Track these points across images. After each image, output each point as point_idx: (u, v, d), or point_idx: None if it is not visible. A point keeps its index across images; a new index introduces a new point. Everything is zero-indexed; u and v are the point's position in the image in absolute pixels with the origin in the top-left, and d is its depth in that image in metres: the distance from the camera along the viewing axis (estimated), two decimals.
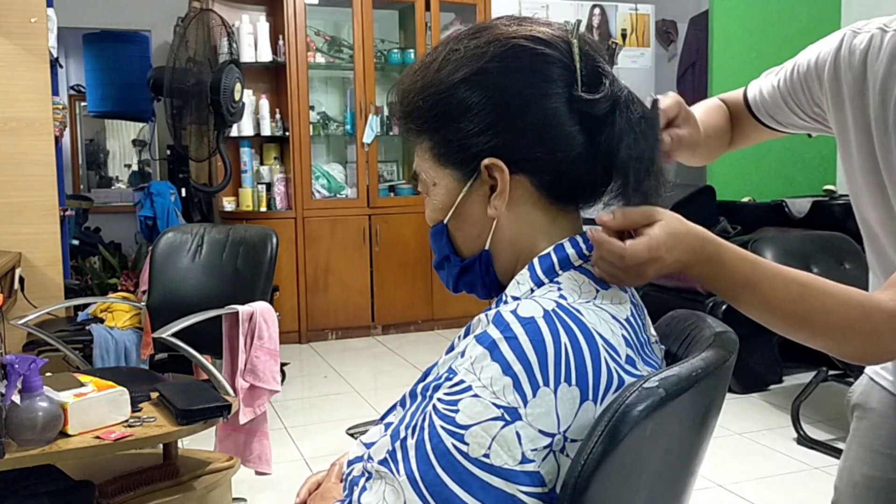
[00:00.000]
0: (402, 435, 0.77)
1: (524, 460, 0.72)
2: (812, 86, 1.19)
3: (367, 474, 0.81)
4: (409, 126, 0.89)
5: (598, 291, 0.82)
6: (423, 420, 0.75)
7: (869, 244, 1.18)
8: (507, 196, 0.84)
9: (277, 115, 5.24)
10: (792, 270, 0.91)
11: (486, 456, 0.71)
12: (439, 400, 0.75)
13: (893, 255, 1.11)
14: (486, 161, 0.84)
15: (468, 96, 0.84)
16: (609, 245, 0.81)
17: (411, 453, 0.74)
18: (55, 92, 3.68)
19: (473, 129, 0.84)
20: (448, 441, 0.72)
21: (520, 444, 0.71)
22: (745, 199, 4.99)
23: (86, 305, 3.42)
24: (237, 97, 4.50)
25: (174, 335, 2.44)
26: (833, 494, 1.29)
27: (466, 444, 0.72)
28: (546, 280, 0.84)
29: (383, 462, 0.77)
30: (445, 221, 0.89)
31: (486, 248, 0.88)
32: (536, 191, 0.85)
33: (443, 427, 0.73)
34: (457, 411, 0.73)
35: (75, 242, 5.70)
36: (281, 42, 5.10)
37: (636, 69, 5.86)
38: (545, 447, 0.72)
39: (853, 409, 1.29)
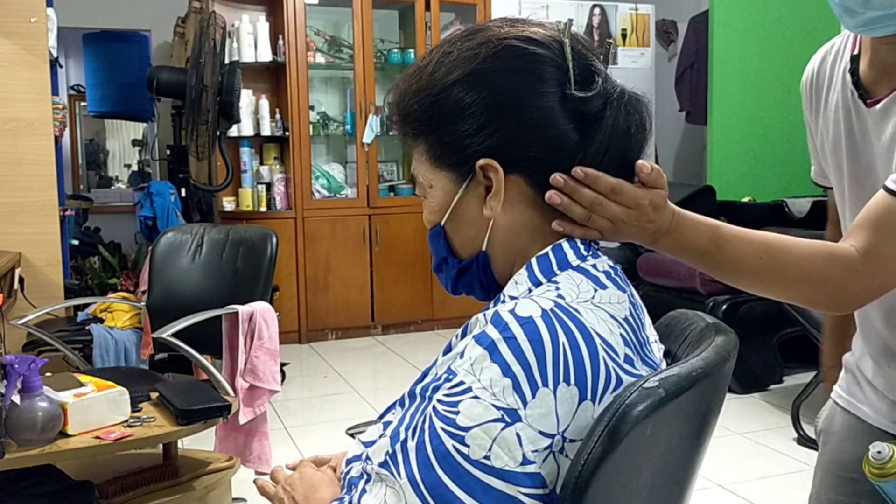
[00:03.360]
0: (402, 437, 0.77)
1: (525, 461, 0.72)
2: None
3: (366, 476, 0.81)
4: (406, 129, 0.90)
5: (596, 291, 0.82)
6: (424, 422, 0.75)
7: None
8: (502, 196, 0.84)
9: (277, 115, 5.24)
10: (752, 231, 0.95)
11: (487, 458, 0.71)
12: (439, 401, 0.75)
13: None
14: (480, 162, 0.84)
15: (462, 98, 0.84)
16: (605, 178, 0.84)
17: (412, 455, 0.74)
18: (55, 92, 3.68)
19: (468, 130, 0.84)
20: (449, 443, 0.72)
21: (520, 445, 0.71)
22: (745, 199, 4.99)
23: (86, 305, 3.42)
24: (241, 98, 4.51)
25: (174, 335, 2.44)
26: None
27: (467, 445, 0.72)
28: (544, 280, 0.84)
29: (383, 464, 0.77)
30: (442, 223, 0.89)
31: (483, 248, 0.88)
32: (532, 190, 0.85)
33: (443, 429, 0.73)
34: (457, 413, 0.73)
35: (75, 242, 5.70)
36: (281, 42, 5.10)
37: (636, 69, 5.86)
38: (545, 448, 0.72)
39: (819, 435, 1.29)
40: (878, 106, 1.05)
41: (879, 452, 1.03)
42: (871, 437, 1.15)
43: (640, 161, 0.87)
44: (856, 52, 1.10)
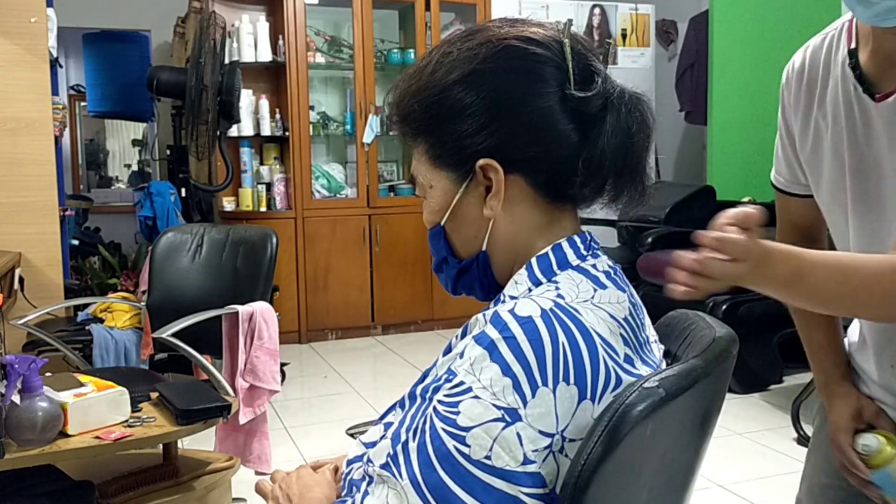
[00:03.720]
0: (404, 438, 0.77)
1: (526, 461, 0.72)
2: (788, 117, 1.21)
3: (367, 478, 0.81)
4: (406, 130, 0.90)
5: (595, 291, 0.82)
6: (424, 423, 0.75)
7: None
8: (502, 196, 0.84)
9: (277, 115, 5.24)
10: (828, 254, 0.98)
11: (488, 458, 0.71)
12: (440, 402, 0.75)
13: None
14: (480, 162, 0.84)
15: (462, 98, 0.84)
16: (733, 240, 0.84)
17: (413, 456, 0.74)
18: (55, 92, 3.68)
19: (468, 130, 0.84)
20: (450, 443, 0.72)
21: (521, 444, 0.72)
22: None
23: (86, 305, 3.42)
24: (241, 98, 4.51)
25: (174, 335, 2.44)
26: None
27: (468, 446, 0.72)
28: (544, 279, 0.84)
29: (385, 466, 0.77)
30: (442, 223, 0.89)
31: (484, 248, 0.88)
32: (532, 190, 0.86)
33: (444, 429, 0.73)
34: (458, 413, 0.73)
35: (75, 242, 5.70)
36: (281, 42, 5.10)
37: (636, 69, 5.86)
38: (545, 448, 0.73)
39: (816, 415, 1.30)
40: (891, 100, 1.04)
41: (867, 445, 1.03)
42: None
43: (736, 211, 0.87)
44: (853, 46, 1.09)
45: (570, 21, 0.88)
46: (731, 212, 0.88)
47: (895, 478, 1.04)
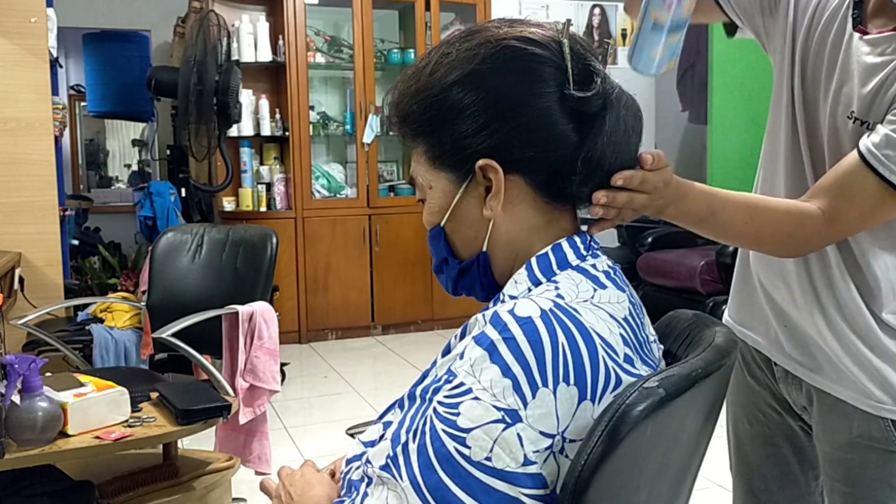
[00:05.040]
0: (403, 439, 0.77)
1: (526, 462, 0.72)
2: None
3: (367, 479, 0.81)
4: (405, 130, 0.90)
5: (595, 291, 0.82)
6: (424, 424, 0.75)
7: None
8: (502, 197, 0.84)
9: (277, 115, 5.24)
10: (740, 195, 1.10)
11: (489, 459, 0.71)
12: (440, 403, 0.75)
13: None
14: (480, 162, 0.84)
15: (461, 98, 0.84)
16: (637, 175, 0.89)
17: (413, 458, 0.74)
18: (55, 92, 3.68)
19: (467, 130, 0.84)
20: (450, 445, 0.72)
21: (521, 446, 0.71)
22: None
23: (86, 305, 3.42)
24: (240, 97, 4.50)
25: (174, 335, 2.44)
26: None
27: (468, 447, 0.72)
28: (543, 279, 0.84)
29: (385, 467, 0.77)
30: (442, 224, 0.89)
31: (484, 249, 0.88)
32: (532, 190, 0.86)
33: (444, 431, 0.73)
34: (458, 414, 0.73)
35: (75, 242, 5.70)
36: (281, 42, 5.10)
37: None
38: (546, 448, 0.72)
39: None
40: (869, 37, 1.06)
41: None
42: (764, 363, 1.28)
43: (642, 155, 0.90)
44: None
45: (569, 21, 0.88)
46: (645, 154, 0.92)
47: None
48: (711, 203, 1.05)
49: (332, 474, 0.99)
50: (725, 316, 1.36)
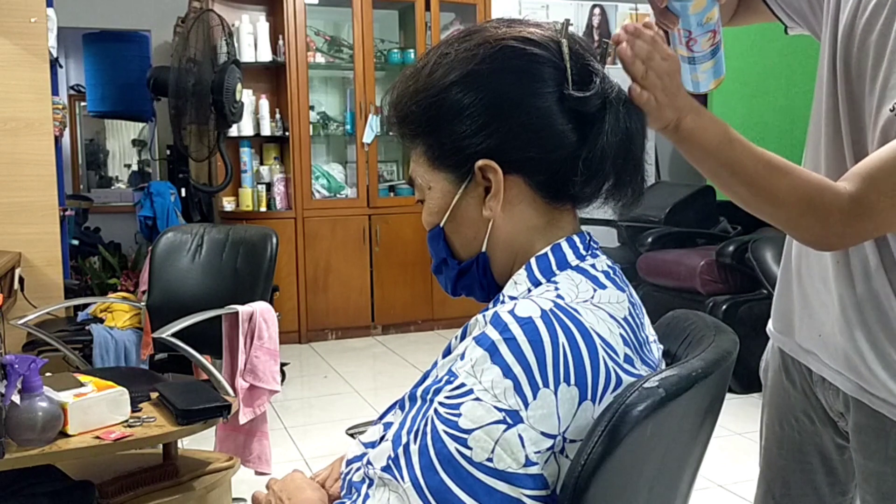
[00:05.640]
0: (404, 440, 0.77)
1: (527, 463, 0.72)
2: None
3: (368, 480, 0.81)
4: (404, 131, 0.90)
5: (595, 291, 0.82)
6: (426, 425, 0.75)
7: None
8: (501, 197, 0.84)
9: (277, 115, 5.24)
10: (761, 149, 0.98)
11: (490, 460, 0.71)
12: (441, 404, 0.75)
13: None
14: (479, 162, 0.84)
15: (460, 99, 0.84)
16: (646, 31, 0.89)
17: (415, 459, 0.74)
18: (55, 92, 3.68)
19: (466, 131, 0.84)
20: (451, 446, 0.72)
21: (523, 446, 0.71)
22: None
23: (86, 305, 3.42)
24: (238, 97, 4.49)
25: (174, 335, 2.44)
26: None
27: (470, 448, 0.72)
28: (543, 280, 0.84)
29: (386, 468, 0.77)
30: (442, 224, 0.89)
31: (483, 249, 0.88)
32: (531, 191, 0.85)
33: (446, 432, 0.73)
34: (459, 415, 0.73)
35: (75, 242, 5.70)
36: (281, 42, 5.10)
37: None
38: (547, 449, 0.72)
39: (763, 373, 1.34)
40: None
41: None
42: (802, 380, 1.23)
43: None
44: None
45: (568, 21, 0.87)
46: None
47: (691, 11, 0.99)
48: (728, 130, 0.96)
49: (322, 484, 1.00)
50: (769, 326, 1.30)
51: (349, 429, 3.38)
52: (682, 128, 0.94)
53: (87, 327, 3.12)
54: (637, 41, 0.89)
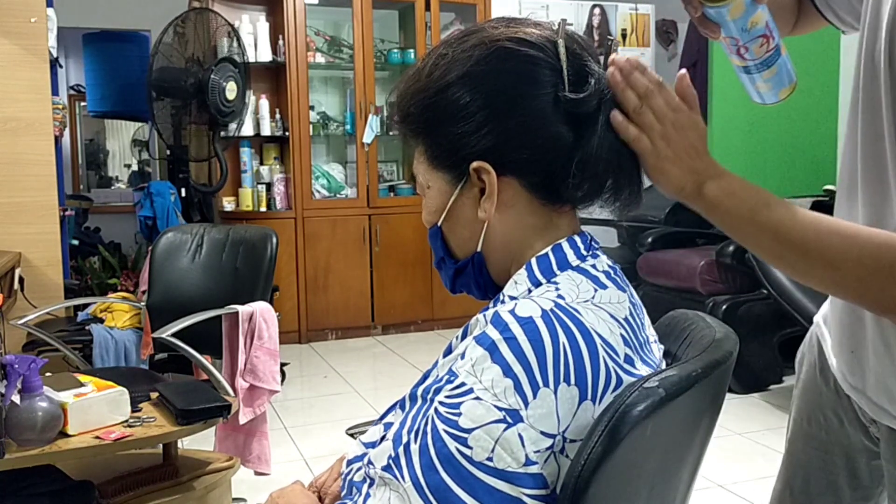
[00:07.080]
0: (405, 440, 0.77)
1: (527, 462, 0.72)
2: None
3: (368, 480, 0.81)
4: (406, 130, 0.90)
5: (596, 291, 0.82)
6: (426, 424, 0.75)
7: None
8: (495, 199, 0.84)
9: (277, 115, 5.24)
10: (805, 209, 0.84)
11: (490, 459, 0.71)
12: (441, 403, 0.75)
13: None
14: (473, 164, 0.84)
15: (456, 100, 0.84)
16: (650, 72, 0.84)
17: (415, 458, 0.74)
18: (55, 92, 3.68)
19: (462, 132, 0.84)
20: (452, 445, 0.72)
21: (523, 446, 0.71)
22: None
23: (86, 305, 3.42)
24: (230, 96, 4.47)
25: (174, 335, 2.44)
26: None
27: (470, 447, 0.72)
28: (544, 280, 0.84)
29: (387, 468, 0.77)
30: (439, 224, 0.90)
31: (478, 249, 0.88)
32: (527, 192, 0.85)
33: (446, 431, 0.73)
34: (459, 415, 0.73)
35: (75, 242, 5.71)
36: (281, 42, 5.10)
37: None
38: (547, 448, 0.72)
39: (798, 364, 1.29)
40: None
41: None
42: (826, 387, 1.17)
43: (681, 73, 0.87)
44: None
45: (565, 21, 0.87)
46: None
47: (729, 17, 0.92)
48: (764, 192, 0.82)
49: (321, 498, 1.01)
50: (816, 317, 1.21)
51: (349, 429, 3.38)
52: (705, 195, 0.83)
53: (87, 327, 3.12)
54: (634, 73, 0.83)
